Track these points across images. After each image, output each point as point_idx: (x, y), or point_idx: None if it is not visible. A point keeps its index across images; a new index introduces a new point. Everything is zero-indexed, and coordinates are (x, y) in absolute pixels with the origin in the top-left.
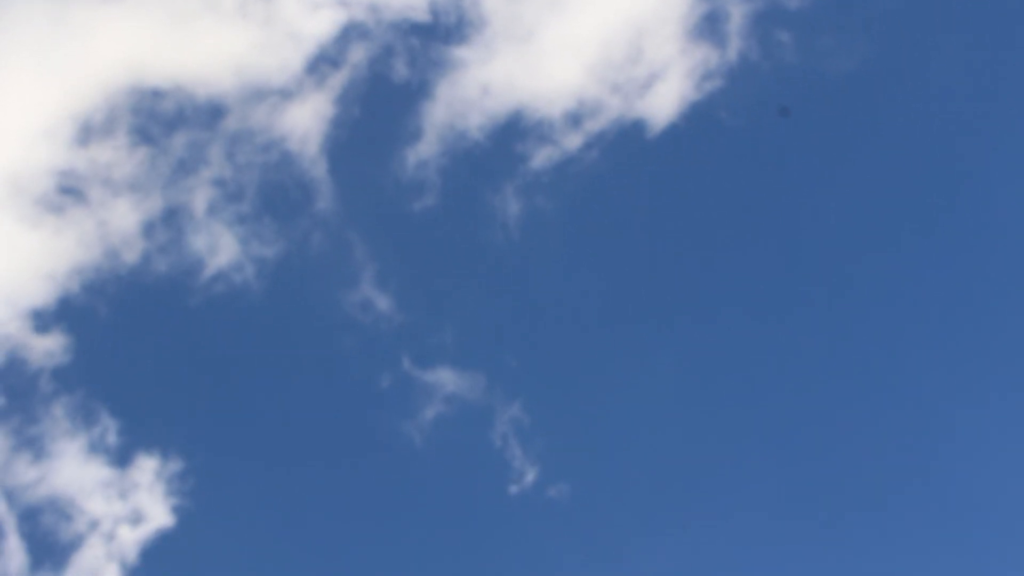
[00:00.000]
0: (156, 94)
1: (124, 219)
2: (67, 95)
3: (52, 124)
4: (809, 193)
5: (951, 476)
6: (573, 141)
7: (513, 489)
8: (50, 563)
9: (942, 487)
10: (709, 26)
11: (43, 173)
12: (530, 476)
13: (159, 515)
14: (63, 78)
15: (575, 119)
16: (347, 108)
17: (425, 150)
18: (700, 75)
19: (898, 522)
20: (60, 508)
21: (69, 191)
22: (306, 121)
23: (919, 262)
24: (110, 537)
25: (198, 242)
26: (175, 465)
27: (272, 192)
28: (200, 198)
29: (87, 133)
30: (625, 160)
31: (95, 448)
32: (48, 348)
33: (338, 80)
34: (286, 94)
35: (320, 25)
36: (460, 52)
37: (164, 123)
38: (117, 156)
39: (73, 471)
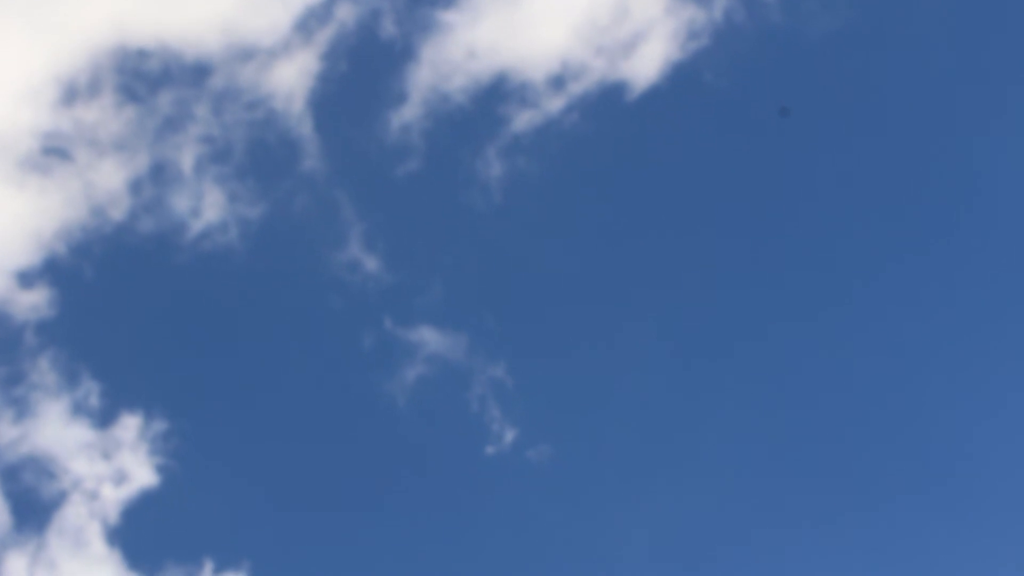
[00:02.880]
0: (142, 54)
1: (109, 179)
2: (52, 55)
3: (36, 85)
4: (793, 153)
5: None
6: (558, 103)
7: (491, 450)
8: (33, 521)
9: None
10: None
11: (27, 134)
12: (510, 437)
13: (143, 475)
14: (48, 38)
15: (559, 81)
16: (334, 69)
17: (410, 112)
18: (685, 36)
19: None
20: (43, 466)
21: (54, 151)
22: (293, 82)
23: (906, 220)
24: (93, 496)
25: (184, 201)
26: (159, 425)
27: (258, 152)
28: (186, 158)
29: (72, 93)
30: (610, 122)
31: (78, 407)
32: (33, 306)
33: (325, 41)
34: (273, 54)
35: None
36: (447, 15)
37: (150, 83)
38: (102, 116)
39: (56, 430)
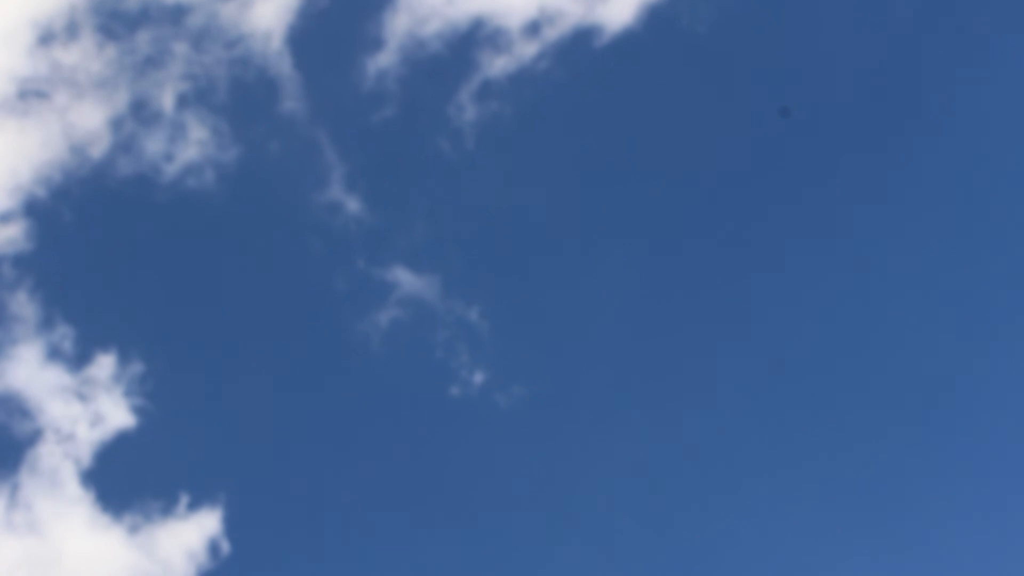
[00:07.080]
0: None
1: (87, 120)
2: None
3: (12, 28)
4: (773, 94)
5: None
6: (534, 49)
7: (456, 391)
8: (6, 462)
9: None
10: None
11: (4, 78)
12: (479, 380)
13: (118, 416)
14: None
15: (535, 27)
16: (312, 7)
17: (387, 57)
18: None
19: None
20: (17, 406)
21: (32, 94)
22: (271, 21)
23: (894, 155)
24: (68, 438)
25: (162, 142)
26: (135, 367)
27: (238, 92)
28: (165, 98)
29: (49, 36)
30: (586, 66)
31: (54, 348)
32: (10, 239)
33: None
34: None
35: None
36: None
37: (128, 23)
38: (80, 58)
39: (31, 371)
